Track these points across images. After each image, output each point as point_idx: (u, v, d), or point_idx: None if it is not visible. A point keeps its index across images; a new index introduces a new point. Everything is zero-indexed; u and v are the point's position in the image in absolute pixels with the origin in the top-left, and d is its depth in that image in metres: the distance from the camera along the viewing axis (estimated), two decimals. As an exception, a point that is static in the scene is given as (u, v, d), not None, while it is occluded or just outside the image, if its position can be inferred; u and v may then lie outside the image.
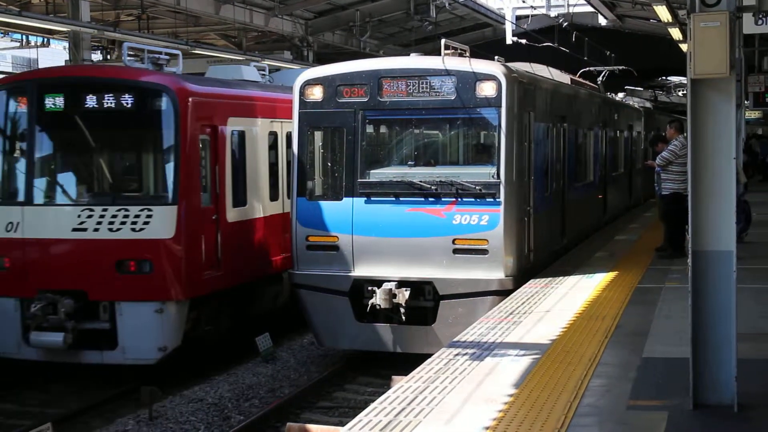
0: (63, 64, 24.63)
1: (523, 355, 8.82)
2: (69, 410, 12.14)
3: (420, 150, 13.42)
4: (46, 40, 27.41)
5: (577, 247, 16.23)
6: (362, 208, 12.66)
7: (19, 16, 17.96)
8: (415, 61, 13.12)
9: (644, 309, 10.91)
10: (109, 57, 29.45)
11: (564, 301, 11.47)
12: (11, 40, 29.39)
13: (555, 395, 7.49)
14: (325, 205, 12.90)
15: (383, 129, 13.59)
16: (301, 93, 13.06)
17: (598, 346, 9.14)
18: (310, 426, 9.89)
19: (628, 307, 11.03)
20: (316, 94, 12.98)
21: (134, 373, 13.11)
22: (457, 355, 8.88)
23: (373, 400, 7.68)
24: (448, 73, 12.51)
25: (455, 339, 9.68)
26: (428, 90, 12.58)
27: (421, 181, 12.47)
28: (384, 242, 12.53)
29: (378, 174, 12.90)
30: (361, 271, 12.62)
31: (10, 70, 40.58)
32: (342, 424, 8.82)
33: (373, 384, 12.63)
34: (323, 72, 13.26)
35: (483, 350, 9.03)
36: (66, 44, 23.57)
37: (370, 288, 12.42)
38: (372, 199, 12.67)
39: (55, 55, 35.49)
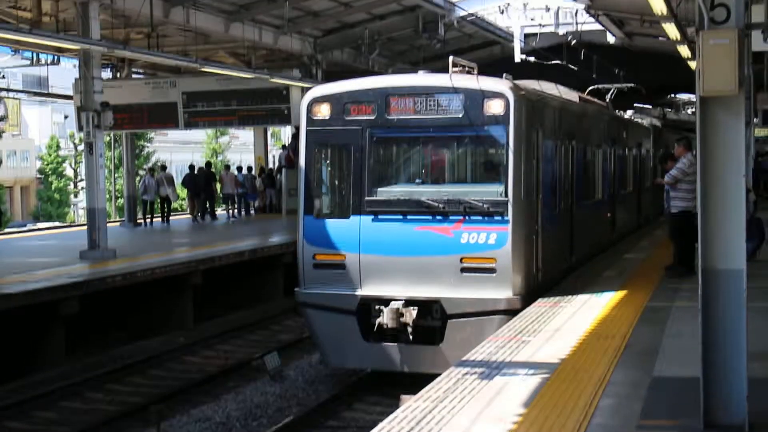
0: (73, 81, 24.73)
1: (533, 374, 8.76)
2: (75, 429, 12.12)
3: (427, 168, 13.40)
4: (56, 57, 27.52)
5: (586, 266, 16.13)
6: (369, 227, 12.60)
7: (30, 34, 18.04)
8: (422, 78, 13.09)
9: (654, 328, 10.84)
10: (119, 74, 29.63)
11: (573, 320, 11.41)
12: (22, 58, 29.52)
13: (565, 415, 7.44)
14: (332, 223, 12.85)
15: (391, 147, 13.50)
16: (309, 110, 13.03)
17: (607, 365, 9.08)
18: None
19: (637, 326, 10.96)
20: (324, 111, 12.94)
21: (141, 391, 13.09)
22: (466, 374, 8.83)
23: (381, 420, 7.63)
24: (455, 90, 12.45)
25: (464, 358, 9.63)
26: (436, 108, 12.53)
27: (428, 200, 12.44)
28: (391, 261, 12.47)
29: (385, 192, 12.83)
30: (368, 290, 12.54)
31: (20, 87, 40.83)
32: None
33: (382, 403, 12.55)
34: (330, 89, 13.24)
35: (492, 369, 8.98)
36: (76, 62, 23.65)
37: (377, 307, 12.34)
38: (379, 217, 12.61)
39: (65, 72, 35.66)
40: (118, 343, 17.58)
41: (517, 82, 13.32)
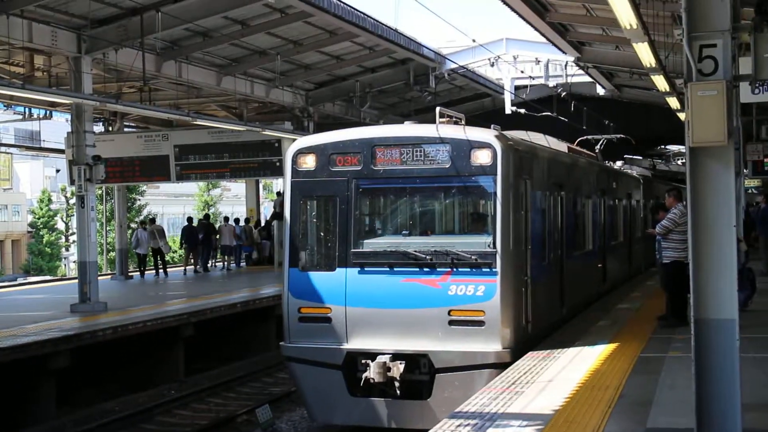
0: (65, 135, 24.82)
1: (526, 425, 8.71)
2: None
3: (414, 219, 13.16)
4: (48, 112, 27.64)
5: (578, 317, 16.04)
6: (356, 279, 12.38)
7: (23, 89, 18.13)
8: (408, 129, 12.93)
9: (648, 378, 10.80)
10: (111, 128, 29.75)
11: (566, 370, 11.36)
12: (14, 113, 29.64)
13: (559, 467, 7.37)
14: (317, 275, 12.60)
15: (377, 198, 13.34)
16: (294, 162, 12.85)
17: (601, 416, 9.03)
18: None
19: (631, 377, 10.92)
20: (309, 162, 12.77)
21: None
22: (459, 426, 8.77)
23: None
24: (442, 140, 12.32)
25: (457, 409, 9.56)
26: (422, 158, 12.37)
27: (415, 251, 12.19)
28: (378, 314, 12.23)
29: (372, 244, 12.63)
30: (354, 343, 12.27)
31: (12, 142, 40.90)
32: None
33: (374, 456, 12.43)
34: (316, 140, 13.10)
35: (485, 421, 8.92)
36: (68, 116, 23.76)
37: (363, 361, 12.06)
38: (366, 269, 12.37)
39: (57, 126, 35.78)
40: (109, 396, 17.43)
41: (505, 132, 13.22)
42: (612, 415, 9.09)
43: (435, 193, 12.96)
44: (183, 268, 32.04)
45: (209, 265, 32.20)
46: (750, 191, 38.12)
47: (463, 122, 13.28)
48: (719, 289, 6.94)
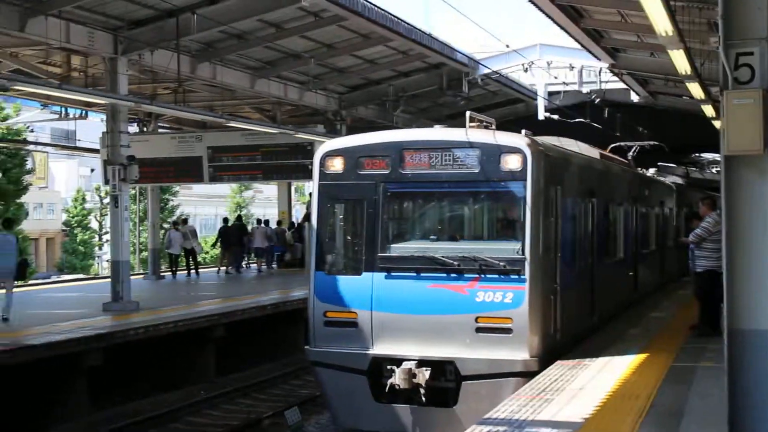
0: (100, 135, 25.05)
1: (556, 433, 8.68)
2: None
3: (442, 224, 13.04)
4: (84, 112, 27.88)
5: (609, 326, 15.88)
6: (382, 284, 12.20)
7: (59, 89, 18.32)
8: (438, 133, 12.81)
9: (679, 388, 10.72)
10: (145, 129, 29.99)
11: (596, 379, 11.30)
12: (51, 113, 29.94)
13: (588, 476, 7.34)
14: (343, 279, 12.43)
15: (405, 202, 13.11)
16: (322, 164, 12.70)
17: (632, 426, 8.97)
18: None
19: (662, 386, 10.84)
20: (337, 165, 12.59)
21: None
22: (488, 432, 8.75)
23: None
24: (471, 145, 12.12)
25: (486, 416, 9.53)
26: (451, 162, 12.17)
27: (443, 257, 11.99)
28: (404, 319, 12.05)
29: (399, 248, 12.43)
30: (380, 348, 12.09)
31: (48, 141, 41.29)
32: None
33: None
34: (344, 143, 13.00)
35: (514, 428, 8.89)
36: (104, 116, 23.96)
37: (389, 367, 11.86)
38: (392, 274, 12.17)
39: (92, 126, 36.08)
40: (139, 395, 17.56)
41: (536, 137, 12.96)
42: (642, 425, 9.03)
43: (464, 198, 12.81)
44: (217, 268, 32.25)
45: (242, 266, 32.42)
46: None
47: (493, 127, 13.20)
48: (753, 299, 6.88)
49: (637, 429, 8.85)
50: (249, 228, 34.30)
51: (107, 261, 47.78)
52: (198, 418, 16.15)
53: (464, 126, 12.84)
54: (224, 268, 31.85)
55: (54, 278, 42.32)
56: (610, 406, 9.84)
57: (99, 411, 16.20)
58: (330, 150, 12.78)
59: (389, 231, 12.60)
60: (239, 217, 37.44)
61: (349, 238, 12.93)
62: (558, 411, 9.61)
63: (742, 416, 6.86)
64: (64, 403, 15.63)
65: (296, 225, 34.91)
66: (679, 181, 29.51)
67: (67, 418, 15.44)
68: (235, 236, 31.85)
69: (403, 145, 12.46)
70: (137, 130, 29.79)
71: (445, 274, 12.02)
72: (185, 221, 34.24)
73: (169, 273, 30.78)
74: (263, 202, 74.31)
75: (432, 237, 12.69)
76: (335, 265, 12.75)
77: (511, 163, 11.93)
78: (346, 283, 12.40)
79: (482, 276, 11.85)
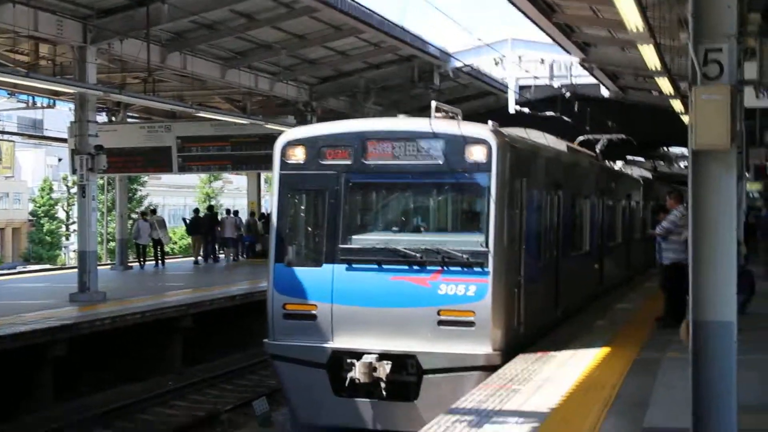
0: (68, 125, 24.85)
1: (522, 423, 8.73)
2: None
3: (406, 215, 12.82)
4: (52, 101, 27.66)
5: (573, 318, 15.83)
6: (343, 276, 11.90)
7: (27, 78, 18.14)
8: (401, 122, 12.56)
9: (644, 379, 10.82)
10: (114, 118, 29.78)
11: (563, 370, 11.37)
12: (17, 101, 29.65)
13: (554, 465, 7.40)
14: (303, 271, 12.12)
15: (367, 193, 12.80)
16: (283, 154, 12.40)
17: (597, 415, 9.05)
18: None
19: (628, 377, 10.94)
20: (298, 155, 12.30)
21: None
22: (455, 422, 8.79)
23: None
24: (435, 135, 11.91)
25: (453, 406, 9.57)
26: (415, 153, 11.94)
27: (405, 249, 11.75)
28: (365, 312, 11.75)
29: (361, 240, 12.15)
30: (340, 342, 11.80)
31: (15, 130, 40.91)
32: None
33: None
34: (306, 132, 12.73)
35: (482, 417, 8.94)
36: (72, 105, 23.77)
37: (349, 360, 11.57)
38: (353, 266, 11.89)
39: (60, 115, 35.82)
40: (106, 386, 17.47)
41: (502, 129, 12.80)
42: (608, 414, 9.12)
43: (427, 189, 12.56)
44: (194, 258, 32.26)
45: (217, 256, 32.43)
46: (751, 195, 38.13)
47: (459, 117, 13.02)
48: (718, 291, 6.95)
49: (603, 418, 8.94)
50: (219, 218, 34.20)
51: (74, 251, 47.46)
52: (165, 409, 16.10)
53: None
54: (201, 257, 31.88)
55: (20, 268, 41.95)
56: (576, 396, 9.92)
57: (65, 402, 16.09)
58: (291, 139, 12.51)
59: (351, 222, 12.32)
60: (210, 207, 37.30)
61: (310, 229, 12.69)
62: (525, 401, 9.68)
63: (707, 406, 6.93)
64: (30, 394, 15.53)
65: (267, 215, 34.86)
66: (647, 174, 29.72)
67: (32, 409, 15.33)
68: (206, 226, 31.84)
69: (366, 134, 12.25)
70: (106, 120, 29.58)
71: (407, 267, 11.80)
72: (154, 211, 34.07)
73: (137, 263, 30.65)
74: (233, 192, 74.05)
75: (395, 229, 12.50)
76: (295, 256, 12.47)
77: (476, 154, 11.76)
78: (306, 275, 12.12)
79: (445, 268, 11.66)
